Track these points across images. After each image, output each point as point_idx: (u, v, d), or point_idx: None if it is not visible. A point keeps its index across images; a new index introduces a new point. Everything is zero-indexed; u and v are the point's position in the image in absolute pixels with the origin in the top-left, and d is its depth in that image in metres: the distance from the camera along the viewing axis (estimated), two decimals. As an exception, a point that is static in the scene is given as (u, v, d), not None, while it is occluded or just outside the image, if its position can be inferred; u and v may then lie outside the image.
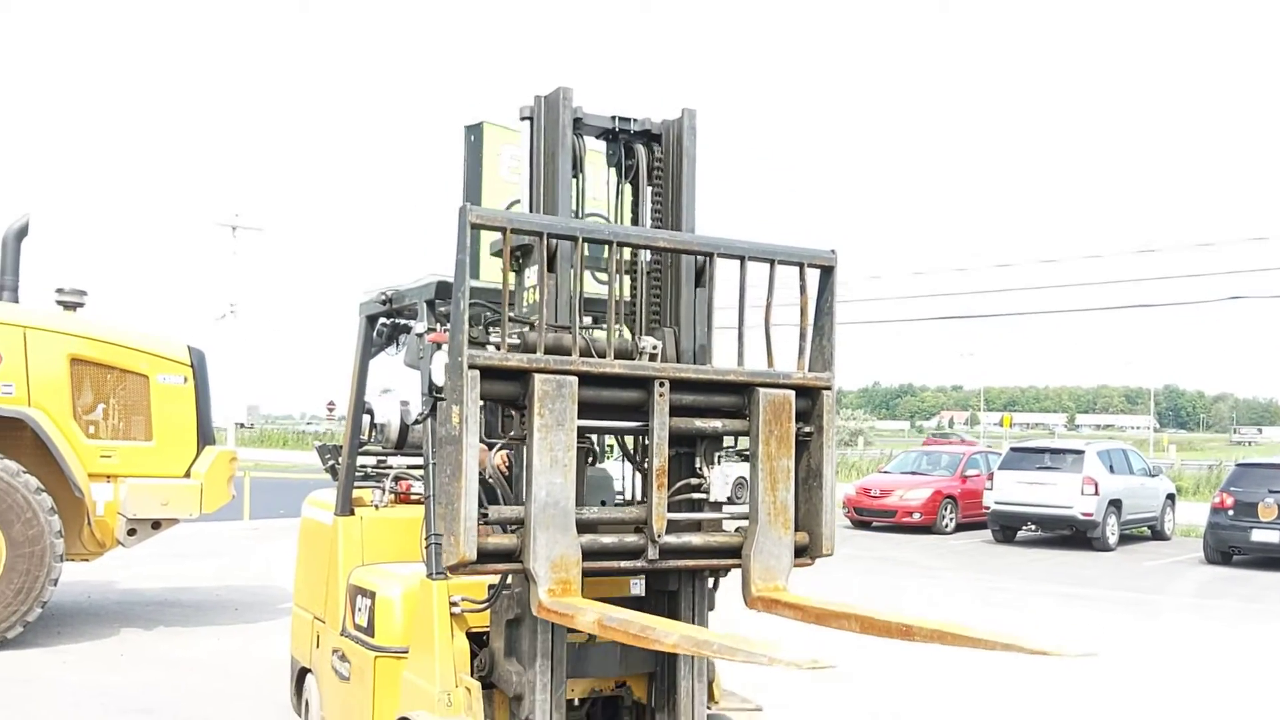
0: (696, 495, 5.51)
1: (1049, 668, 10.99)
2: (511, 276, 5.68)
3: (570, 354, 5.06)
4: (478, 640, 5.16)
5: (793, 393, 5.39)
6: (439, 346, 5.89)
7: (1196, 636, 13.46)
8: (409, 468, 7.52)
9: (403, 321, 6.99)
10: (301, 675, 7.67)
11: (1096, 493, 22.67)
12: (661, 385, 5.15)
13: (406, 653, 6.00)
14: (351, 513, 7.09)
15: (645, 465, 5.29)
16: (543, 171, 5.53)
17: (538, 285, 5.20)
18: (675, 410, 5.22)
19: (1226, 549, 21.05)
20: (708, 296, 5.56)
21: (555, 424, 4.85)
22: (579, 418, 4.94)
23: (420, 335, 6.14)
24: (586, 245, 5.62)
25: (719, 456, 5.54)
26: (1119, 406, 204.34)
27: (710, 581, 5.73)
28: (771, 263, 5.45)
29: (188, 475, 11.86)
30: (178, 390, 11.99)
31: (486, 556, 4.82)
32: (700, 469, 5.54)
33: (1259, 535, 20.37)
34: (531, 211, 5.60)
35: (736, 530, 5.46)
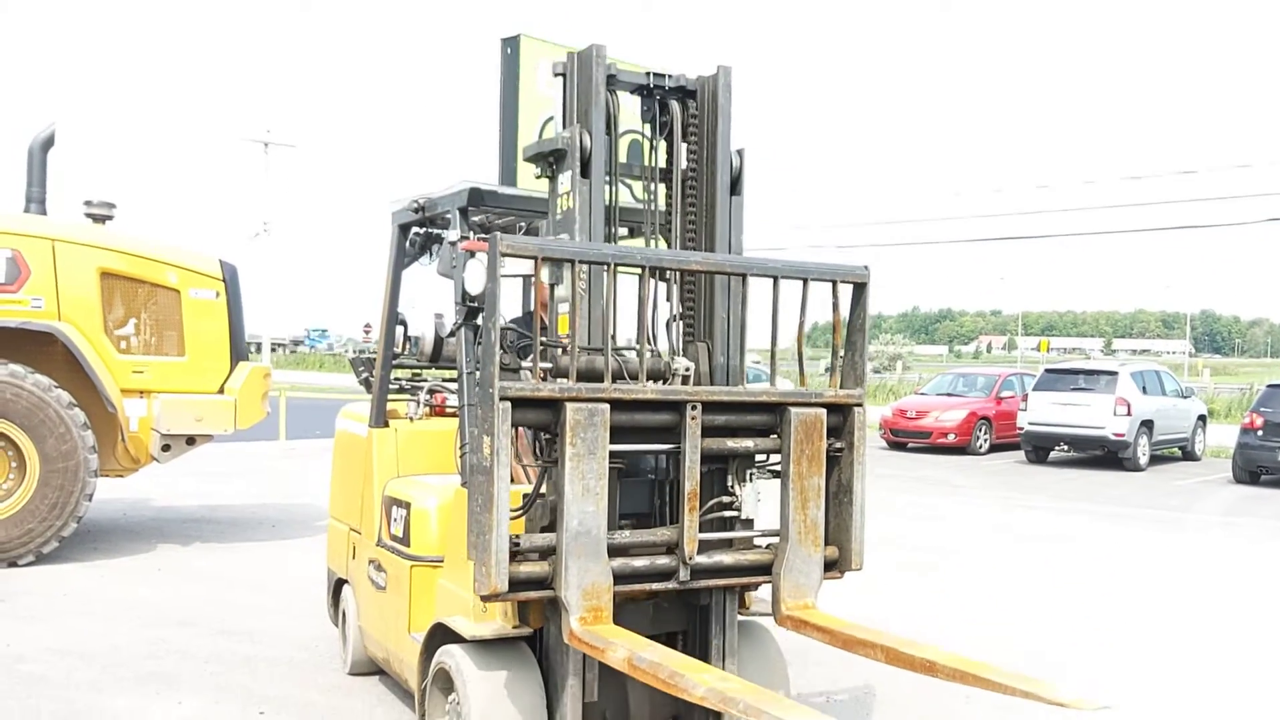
0: (728, 513, 5.54)
1: (1076, 584, 11.05)
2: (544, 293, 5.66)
3: (602, 377, 5.05)
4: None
5: (824, 411, 5.41)
6: (472, 255, 5.86)
7: (1219, 552, 13.45)
8: (444, 380, 7.51)
9: (435, 231, 6.95)
10: (338, 586, 7.73)
11: (1129, 413, 22.63)
12: (694, 409, 5.14)
13: (441, 561, 6.03)
14: (386, 425, 7.12)
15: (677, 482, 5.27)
16: (577, 216, 5.44)
17: (569, 301, 5.14)
18: (707, 430, 5.22)
19: (1255, 469, 21.05)
20: (741, 314, 5.56)
21: (587, 452, 4.85)
22: (611, 441, 4.93)
23: (453, 243, 6.09)
24: (620, 168, 5.63)
25: (750, 474, 5.55)
26: (1155, 331, 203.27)
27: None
28: (805, 281, 5.44)
29: (221, 391, 11.83)
30: (210, 305, 11.92)
31: (518, 585, 4.86)
32: (732, 486, 5.55)
33: (1287, 454, 20.32)
34: (563, 233, 5.52)
35: (767, 546, 5.49)
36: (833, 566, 5.54)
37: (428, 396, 7.25)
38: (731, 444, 5.36)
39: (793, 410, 5.30)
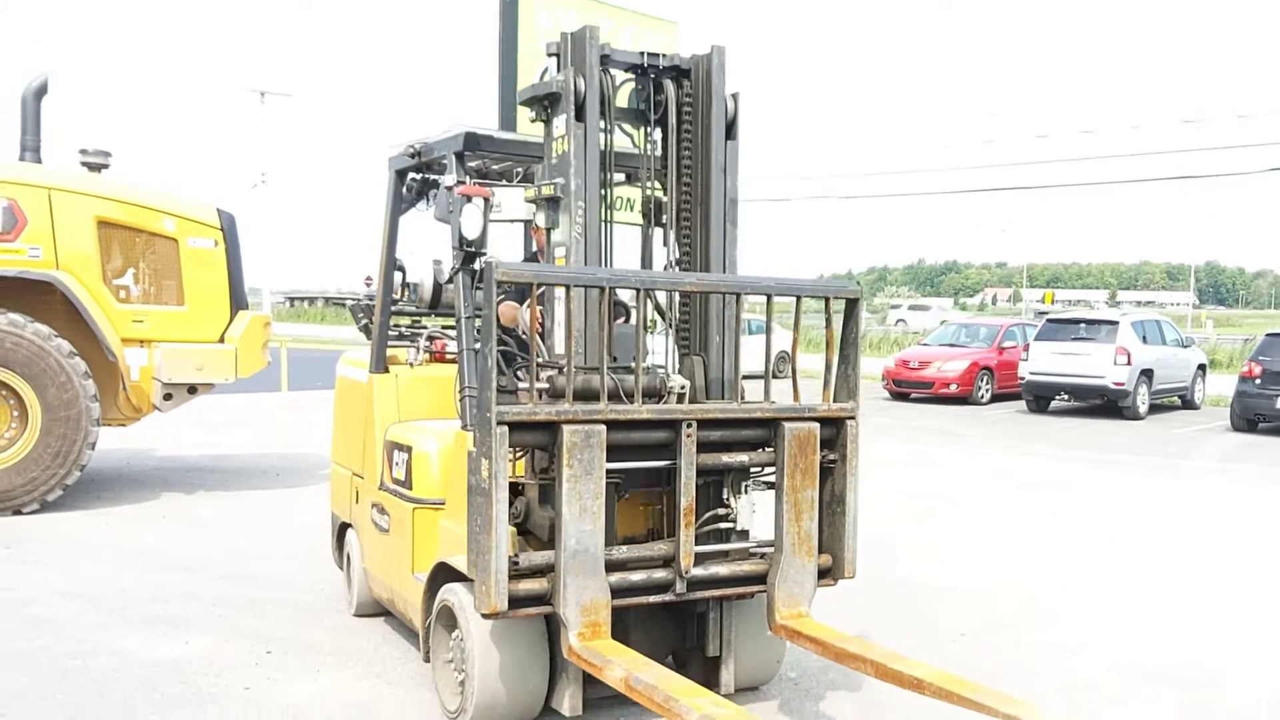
0: (724, 525, 5.65)
1: (1073, 529, 11.15)
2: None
3: (599, 394, 5.12)
4: (513, 489, 5.24)
5: (818, 425, 5.52)
6: (469, 199, 5.90)
7: (1215, 497, 13.57)
8: (444, 328, 7.57)
9: (432, 176, 6.98)
10: (342, 530, 7.82)
11: (1129, 363, 22.68)
12: (689, 426, 5.24)
13: (443, 504, 6.11)
14: (386, 370, 7.18)
15: (673, 495, 5.37)
16: (572, 159, 5.48)
17: (565, 324, 5.27)
18: (703, 446, 5.32)
19: (1252, 416, 21.11)
20: (735, 328, 5.67)
21: (584, 473, 4.95)
22: (608, 460, 5.03)
23: (450, 188, 6.13)
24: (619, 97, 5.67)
25: (745, 486, 5.67)
26: (1160, 283, 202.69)
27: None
28: (797, 299, 5.59)
29: (222, 340, 11.87)
30: (208, 254, 11.91)
31: (518, 603, 4.97)
32: (727, 499, 5.66)
33: (1284, 403, 20.46)
34: (558, 190, 5.56)
35: (762, 556, 5.60)
36: (826, 574, 5.68)
37: (427, 343, 7.30)
38: (727, 459, 5.49)
39: (787, 425, 5.43)
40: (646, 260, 6.09)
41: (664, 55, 5.84)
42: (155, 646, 6.73)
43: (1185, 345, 25.91)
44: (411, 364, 7.22)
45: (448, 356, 7.27)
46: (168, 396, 11.60)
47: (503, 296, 6.66)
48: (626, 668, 4.68)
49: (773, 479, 5.56)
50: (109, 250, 11.45)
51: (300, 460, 14.62)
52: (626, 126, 5.92)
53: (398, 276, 7.30)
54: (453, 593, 5.51)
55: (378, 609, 7.30)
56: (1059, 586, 8.76)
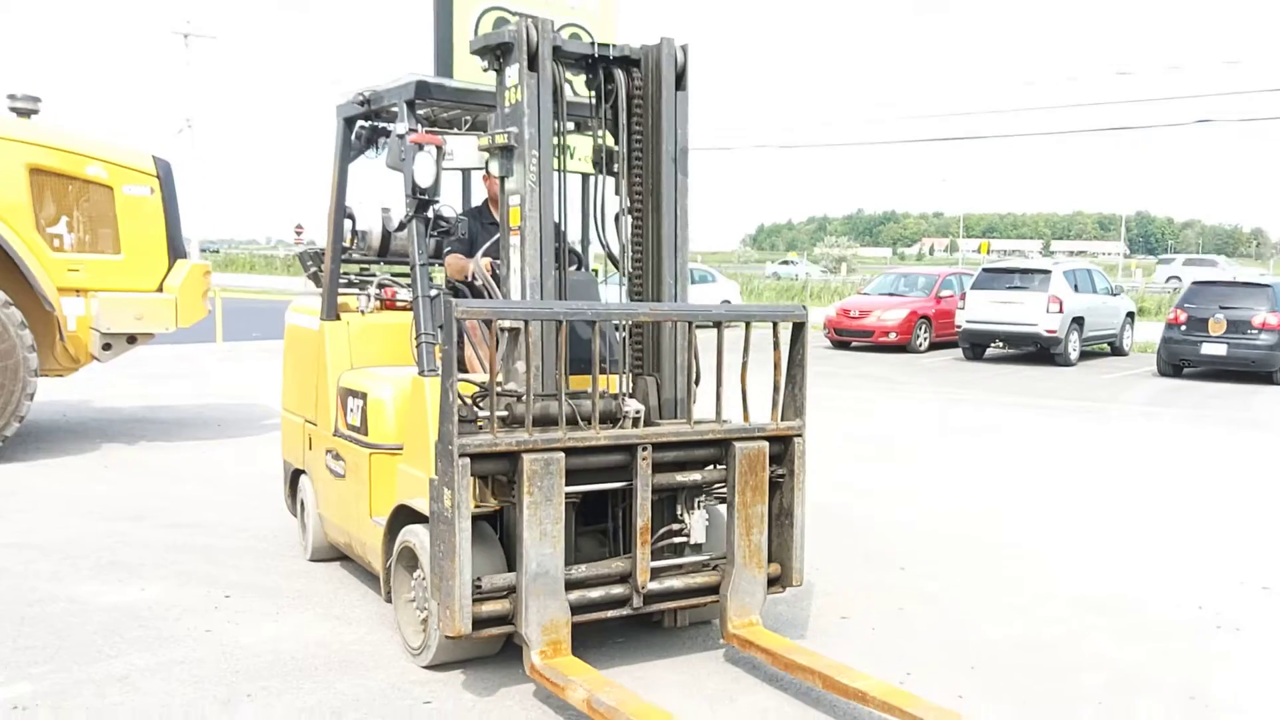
0: (678, 540, 5.82)
1: (1004, 470, 11.43)
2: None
3: (556, 419, 5.28)
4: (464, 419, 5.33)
5: (767, 444, 5.70)
6: (420, 147, 5.95)
7: (1139, 438, 13.95)
8: (393, 275, 7.61)
9: (381, 124, 7.00)
10: (295, 476, 7.87)
11: (1061, 311, 23.10)
12: (645, 450, 5.40)
13: (400, 449, 6.18)
14: (338, 318, 7.21)
15: (628, 513, 5.57)
16: (525, 109, 5.54)
17: (525, 360, 5.34)
18: (658, 467, 5.50)
19: (1178, 362, 21.64)
20: (689, 355, 5.85)
21: (544, 499, 5.09)
22: (566, 484, 5.17)
23: (401, 136, 6.17)
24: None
25: (698, 501, 5.85)
26: (1092, 233, 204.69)
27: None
28: (747, 324, 5.76)
29: (160, 289, 11.74)
30: (145, 202, 11.73)
31: (481, 624, 5.12)
32: (681, 515, 5.84)
33: (1208, 349, 20.97)
34: (511, 140, 5.61)
35: (715, 567, 5.78)
36: (775, 583, 5.91)
37: (378, 290, 7.34)
38: (680, 478, 5.68)
39: (737, 445, 5.62)
40: (590, 209, 6.21)
41: (614, 46, 5.95)
42: (111, 593, 6.76)
43: (1114, 294, 26.40)
44: (363, 311, 7.26)
45: (398, 304, 7.32)
46: (106, 346, 11.49)
47: (450, 249, 6.73)
48: (588, 689, 4.82)
49: (724, 494, 5.75)
50: (41, 198, 11.21)
51: (240, 410, 14.57)
52: (581, 86, 6.02)
53: (347, 225, 7.33)
54: (414, 534, 5.61)
55: (333, 553, 7.37)
56: (992, 522, 9.03)
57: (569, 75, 5.90)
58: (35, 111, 11.75)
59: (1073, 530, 8.85)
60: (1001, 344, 24.61)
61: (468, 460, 4.93)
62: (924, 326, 26.58)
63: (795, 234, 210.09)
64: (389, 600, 5.97)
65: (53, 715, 4.99)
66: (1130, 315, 26.92)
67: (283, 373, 8.14)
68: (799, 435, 5.81)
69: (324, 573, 7.24)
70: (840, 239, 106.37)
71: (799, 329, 5.80)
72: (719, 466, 5.73)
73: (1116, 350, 26.27)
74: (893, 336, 26.07)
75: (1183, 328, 21.32)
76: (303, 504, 7.67)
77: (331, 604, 6.63)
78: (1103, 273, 27.14)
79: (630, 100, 5.93)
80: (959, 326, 24.74)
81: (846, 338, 26.86)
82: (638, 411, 5.71)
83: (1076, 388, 19.42)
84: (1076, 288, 24.10)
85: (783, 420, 5.81)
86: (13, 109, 11.67)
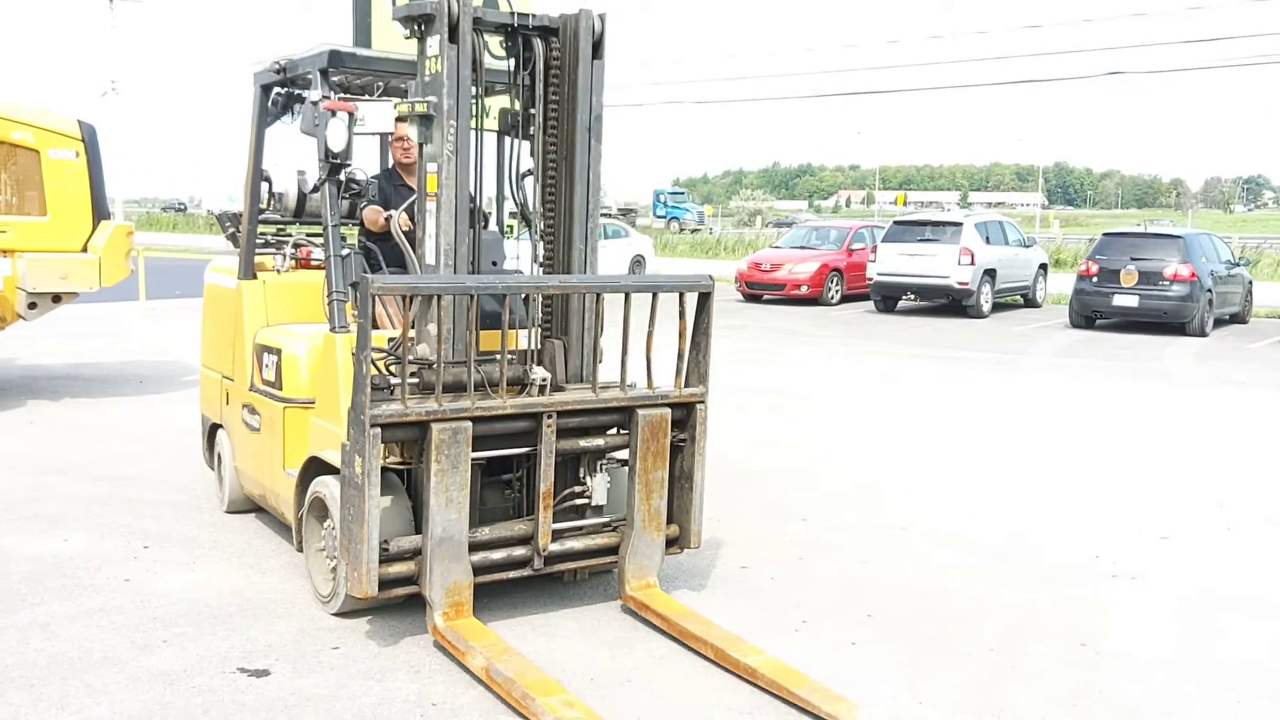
0: (580, 501, 6.08)
1: (908, 412, 11.80)
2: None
3: (465, 388, 5.49)
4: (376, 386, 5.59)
5: (670, 410, 5.93)
6: (334, 114, 6.21)
7: (1045, 388, 14.30)
8: (308, 235, 7.85)
9: (297, 91, 7.22)
10: (212, 431, 8.10)
11: (972, 263, 23.45)
12: (550, 417, 5.65)
13: (313, 403, 6.44)
14: (254, 277, 7.44)
15: (533, 479, 5.80)
16: (444, 79, 5.74)
17: (436, 328, 5.58)
18: (562, 433, 5.74)
19: (1090, 313, 22.03)
20: (595, 316, 6.06)
21: (451, 467, 5.32)
22: (473, 450, 5.41)
23: (315, 103, 6.40)
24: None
25: (600, 464, 6.09)
26: (1011, 184, 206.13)
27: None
28: (654, 293, 5.89)
29: (85, 250, 11.92)
30: (70, 165, 11.90)
31: (387, 584, 5.37)
32: (583, 477, 6.08)
33: (1119, 300, 21.32)
34: (431, 109, 5.81)
35: (614, 529, 6.04)
36: (674, 544, 6.17)
37: (293, 250, 7.59)
38: (584, 443, 5.94)
39: (640, 412, 5.86)
40: (504, 169, 6.46)
41: (533, 15, 6.13)
42: (35, 544, 7.00)
43: (1027, 245, 26.83)
44: (278, 270, 7.50)
45: (313, 263, 7.56)
46: (32, 305, 11.67)
47: (366, 203, 6.98)
48: (488, 657, 5.04)
49: (627, 458, 6.00)
50: (-34, 161, 11.37)
51: (162, 367, 14.69)
52: (497, 47, 6.25)
53: (264, 187, 7.55)
54: (325, 485, 5.88)
55: (249, 505, 7.63)
56: (895, 472, 9.38)
57: (488, 40, 6.11)
58: (-44, 75, 11.83)
59: (975, 480, 9.19)
60: (913, 296, 24.97)
61: (379, 430, 5.17)
62: (835, 279, 26.89)
63: (711, 187, 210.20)
64: (301, 550, 6.24)
65: (-21, 660, 5.23)
66: (1043, 267, 27.39)
67: (201, 330, 8.35)
68: (701, 402, 6.05)
69: (240, 524, 7.50)
70: (756, 192, 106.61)
71: (705, 298, 6.04)
72: (622, 431, 5.99)
73: (1030, 302, 26.72)
74: (804, 290, 26.38)
75: (1094, 279, 21.67)
76: (220, 457, 7.91)
77: (246, 554, 6.90)
78: (1015, 225, 27.58)
79: (548, 69, 6.16)
80: (870, 279, 25.05)
81: (758, 291, 27.18)
82: (544, 379, 5.90)
83: (987, 339, 19.82)
84: (988, 240, 24.48)
85: (686, 387, 6.03)
86: (-65, 72, 11.73)
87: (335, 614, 5.83)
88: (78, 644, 5.44)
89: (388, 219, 6.57)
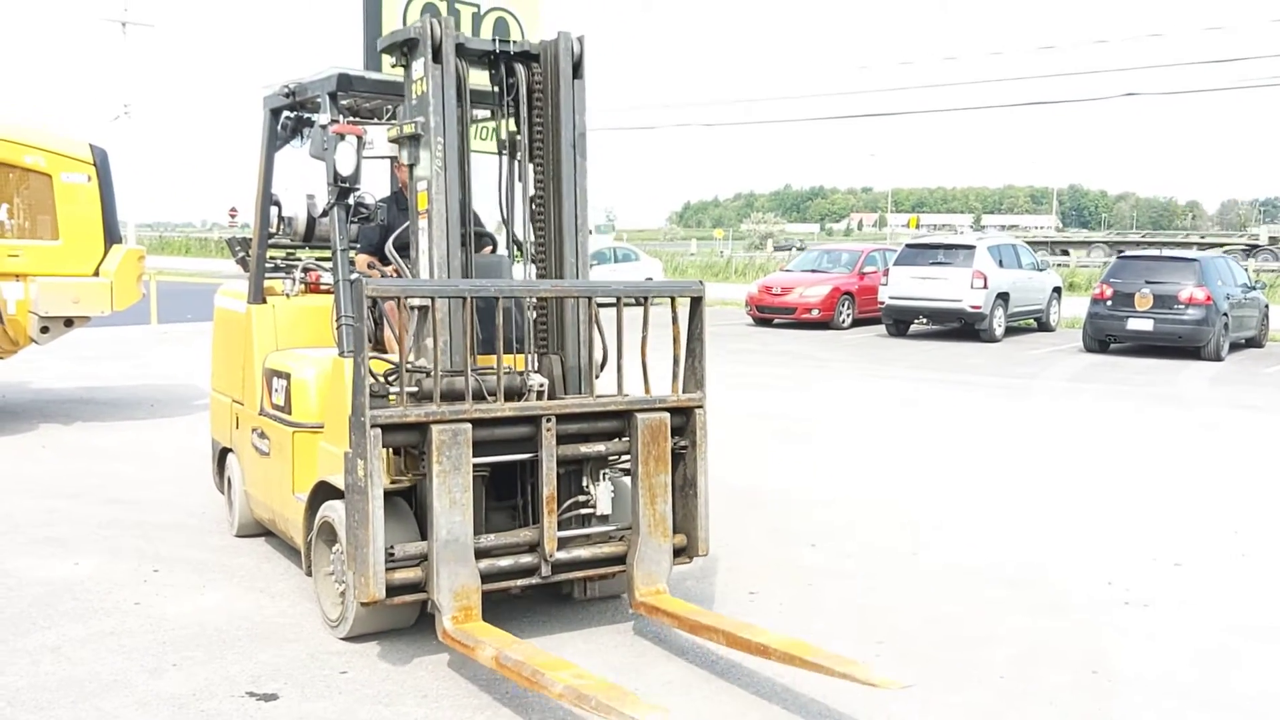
0: (584, 510, 6.07)
1: (920, 437, 11.76)
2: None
3: (464, 395, 5.52)
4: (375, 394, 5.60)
5: (668, 414, 5.94)
6: (343, 137, 6.23)
7: (1059, 414, 14.21)
8: (317, 259, 7.87)
9: (306, 114, 7.25)
10: (223, 455, 8.12)
11: (985, 286, 23.32)
12: (548, 421, 5.67)
13: (322, 427, 6.46)
14: (264, 301, 7.46)
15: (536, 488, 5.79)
16: (430, 99, 5.85)
17: (432, 333, 5.60)
18: (562, 439, 5.76)
19: (1104, 337, 21.81)
20: (589, 326, 6.09)
21: (452, 469, 5.34)
22: (474, 455, 5.43)
23: (324, 127, 6.42)
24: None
25: (604, 473, 6.08)
26: (1024, 207, 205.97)
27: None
28: (646, 300, 5.97)
29: (97, 274, 11.98)
30: (82, 189, 11.97)
31: (395, 590, 5.36)
32: (587, 486, 6.08)
33: (1134, 324, 21.14)
34: (418, 129, 5.91)
35: (621, 538, 6.02)
36: (681, 553, 6.14)
37: (302, 274, 7.61)
38: (585, 449, 5.94)
39: (639, 416, 5.87)
40: (505, 192, 6.51)
41: (515, 42, 6.29)
42: (46, 567, 7.02)
43: (1041, 269, 26.74)
44: (288, 295, 7.53)
45: (322, 287, 7.59)
46: (45, 329, 11.73)
47: (370, 231, 7.01)
48: (496, 647, 5.06)
49: (629, 467, 6.00)
50: (-19, 186, 11.43)
51: (174, 391, 14.74)
52: (484, 80, 6.32)
53: (273, 211, 7.57)
54: (334, 509, 5.88)
55: (258, 529, 7.64)
56: (906, 498, 9.34)
57: (474, 70, 6.20)
58: (-27, 102, 11.94)
59: (987, 506, 9.14)
60: (925, 320, 24.82)
61: (379, 431, 5.20)
62: (847, 303, 26.74)
63: (722, 210, 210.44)
64: (310, 574, 6.25)
65: (-12, 684, 5.23)
66: (1057, 290, 27.23)
67: (211, 354, 8.38)
68: (700, 407, 6.05)
69: (249, 548, 7.51)
70: (767, 215, 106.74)
71: (696, 303, 6.05)
72: (622, 439, 5.98)
73: (1043, 326, 26.55)
74: (815, 314, 26.24)
75: (1109, 303, 21.50)
76: (230, 481, 7.93)
77: (255, 578, 6.91)
78: (1028, 248, 27.52)
79: (531, 92, 6.25)
80: (882, 303, 24.91)
81: (768, 315, 27.05)
82: (541, 385, 5.95)
83: (1000, 364, 19.72)
84: (1001, 263, 24.36)
85: (683, 392, 6.05)
86: (-48, 100, 11.84)
87: (343, 638, 5.83)
88: (88, 667, 5.44)
89: (369, 264, 6.65)
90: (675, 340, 6.02)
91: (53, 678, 5.31)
